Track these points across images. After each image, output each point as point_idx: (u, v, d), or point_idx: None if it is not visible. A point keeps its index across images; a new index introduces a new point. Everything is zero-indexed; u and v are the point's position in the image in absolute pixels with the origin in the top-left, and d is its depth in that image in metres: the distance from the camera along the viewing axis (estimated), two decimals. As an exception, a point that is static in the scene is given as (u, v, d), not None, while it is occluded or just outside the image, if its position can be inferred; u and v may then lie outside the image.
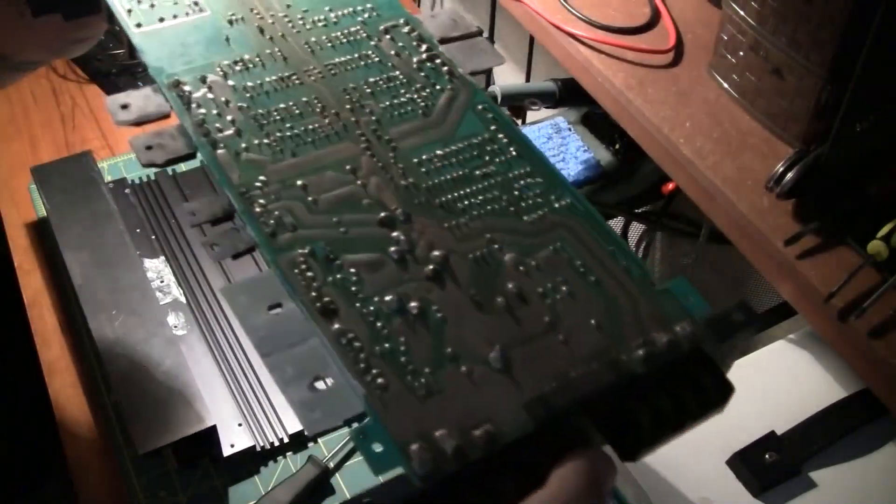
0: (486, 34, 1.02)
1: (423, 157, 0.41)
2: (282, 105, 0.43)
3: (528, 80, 0.95)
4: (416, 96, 0.44)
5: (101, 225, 0.85)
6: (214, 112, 0.42)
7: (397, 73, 0.45)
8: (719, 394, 0.36)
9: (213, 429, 0.72)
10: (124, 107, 0.43)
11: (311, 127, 0.42)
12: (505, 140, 0.42)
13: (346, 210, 0.39)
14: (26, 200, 1.00)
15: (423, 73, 0.45)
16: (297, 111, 0.43)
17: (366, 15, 0.48)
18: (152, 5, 0.48)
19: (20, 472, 1.40)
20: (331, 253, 0.37)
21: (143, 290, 0.78)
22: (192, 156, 0.42)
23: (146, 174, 1.00)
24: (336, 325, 0.35)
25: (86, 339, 0.86)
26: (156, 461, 0.76)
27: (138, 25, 0.47)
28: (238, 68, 0.45)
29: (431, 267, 0.37)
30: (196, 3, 0.48)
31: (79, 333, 0.87)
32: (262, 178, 0.40)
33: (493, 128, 0.43)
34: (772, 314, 0.81)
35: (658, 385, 0.34)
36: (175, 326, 0.81)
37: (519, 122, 1.00)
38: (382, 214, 0.39)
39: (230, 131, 0.42)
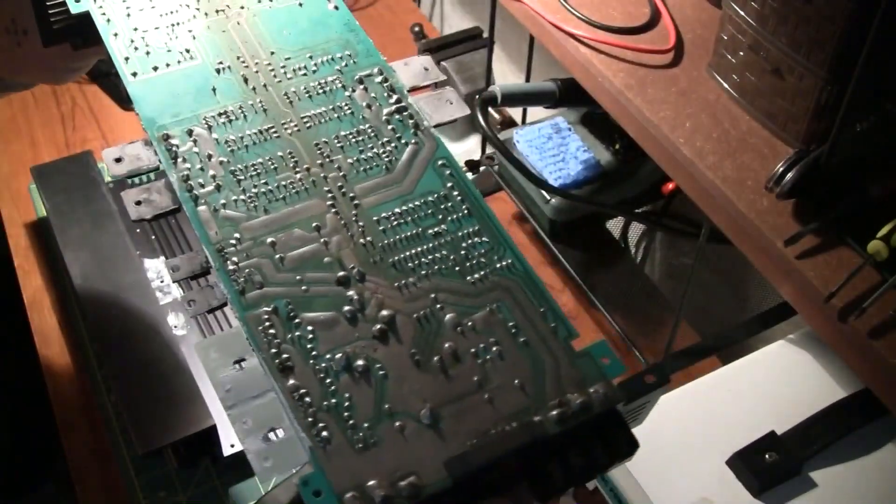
0: (485, 34, 1.02)
1: (383, 214, 0.44)
2: (259, 159, 0.46)
3: (528, 80, 0.95)
4: (382, 150, 0.47)
5: (101, 225, 0.85)
6: (198, 167, 0.45)
7: (367, 126, 0.48)
8: (628, 447, 0.40)
9: (214, 429, 0.72)
10: (118, 160, 0.47)
11: (283, 183, 0.45)
12: (459, 197, 0.45)
13: (309, 268, 0.43)
14: (26, 200, 1.00)
15: (390, 126, 0.48)
16: (273, 166, 0.46)
17: (343, 63, 0.51)
18: (147, 53, 0.50)
19: (20, 472, 1.40)
20: (292, 311, 0.41)
21: (143, 290, 0.78)
22: (177, 210, 0.45)
23: (146, 174, 1.00)
24: (291, 381, 0.39)
25: (86, 338, 0.86)
26: (156, 461, 0.76)
27: (134, 74, 0.50)
28: (222, 120, 0.48)
29: (379, 326, 0.40)
30: (188, 51, 0.51)
31: (79, 333, 0.87)
32: (236, 235, 0.43)
33: (449, 184, 0.46)
34: (772, 314, 0.81)
35: (571, 441, 0.38)
36: (175, 326, 0.81)
37: (519, 122, 1.00)
38: (340, 273, 0.42)
39: (211, 187, 0.45)
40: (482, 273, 0.43)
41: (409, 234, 0.44)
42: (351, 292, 0.42)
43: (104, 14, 0.52)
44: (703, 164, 0.59)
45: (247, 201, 0.45)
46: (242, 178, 0.45)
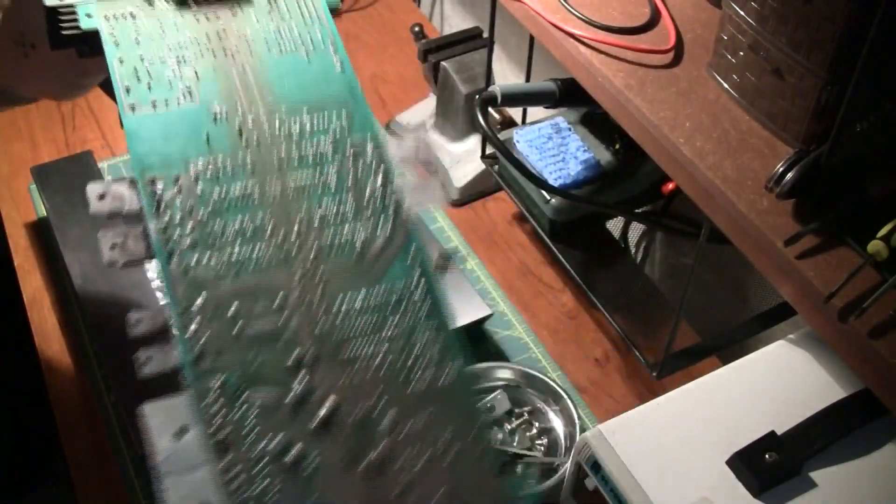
0: (485, 34, 1.02)
1: (346, 302, 0.44)
2: (238, 222, 0.45)
3: (528, 80, 0.95)
4: (358, 233, 0.46)
5: (101, 225, 0.85)
6: (178, 219, 0.45)
7: (348, 205, 0.47)
8: None
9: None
10: (101, 197, 0.45)
11: (257, 252, 0.45)
12: (421, 293, 0.45)
13: (265, 347, 0.43)
14: (26, 200, 1.00)
15: (371, 208, 0.47)
16: (250, 231, 0.45)
17: (338, 128, 0.49)
18: (149, 86, 0.49)
19: (20, 472, 1.40)
20: (240, 388, 0.41)
21: (143, 290, 0.78)
22: (150, 257, 0.44)
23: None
24: (226, 460, 0.39)
25: (86, 338, 0.86)
26: (156, 461, 0.76)
27: (132, 108, 0.48)
28: (209, 173, 0.46)
29: (320, 419, 0.41)
30: (189, 91, 0.49)
31: (79, 333, 0.87)
32: (201, 299, 0.43)
33: (416, 278, 0.46)
34: (772, 314, 0.81)
35: None
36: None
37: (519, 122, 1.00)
38: (293, 356, 0.42)
39: (187, 243, 0.44)
40: (427, 379, 0.43)
41: (367, 328, 0.44)
42: (300, 378, 0.42)
43: (113, 35, 0.50)
44: (703, 164, 0.59)
45: (218, 265, 0.44)
46: (219, 239, 0.45)
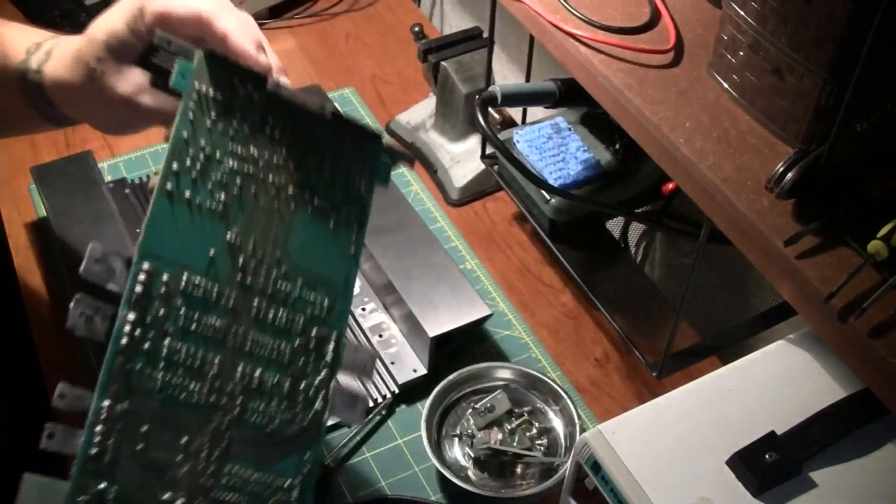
0: (485, 34, 1.02)
1: (235, 470, 0.45)
2: (193, 351, 0.46)
3: (528, 80, 0.95)
4: (277, 415, 0.47)
5: (101, 225, 0.85)
6: (147, 320, 0.45)
7: (286, 386, 0.47)
8: None
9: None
10: (98, 261, 0.45)
11: (192, 387, 0.45)
12: (296, 496, 0.46)
13: (152, 476, 0.44)
14: (26, 200, 1.00)
15: (302, 397, 0.47)
16: (197, 364, 0.46)
17: (316, 311, 0.49)
18: (194, 181, 0.47)
19: (20, 472, 1.39)
20: (113, 502, 0.42)
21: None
22: (106, 342, 0.44)
23: (146, 174, 1.00)
24: None
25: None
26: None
27: (170, 195, 0.46)
28: (197, 292, 0.46)
29: None
30: (224, 207, 0.47)
31: (79, 333, 0.87)
32: (122, 406, 0.43)
33: (299, 479, 0.46)
34: (772, 314, 0.81)
35: None
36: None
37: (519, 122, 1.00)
38: (166, 497, 0.44)
39: (143, 347, 0.44)
40: None
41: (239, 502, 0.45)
42: None
43: (192, 111, 0.47)
44: (703, 164, 0.59)
45: (156, 382, 0.45)
46: (171, 358, 0.45)
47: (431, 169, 1.05)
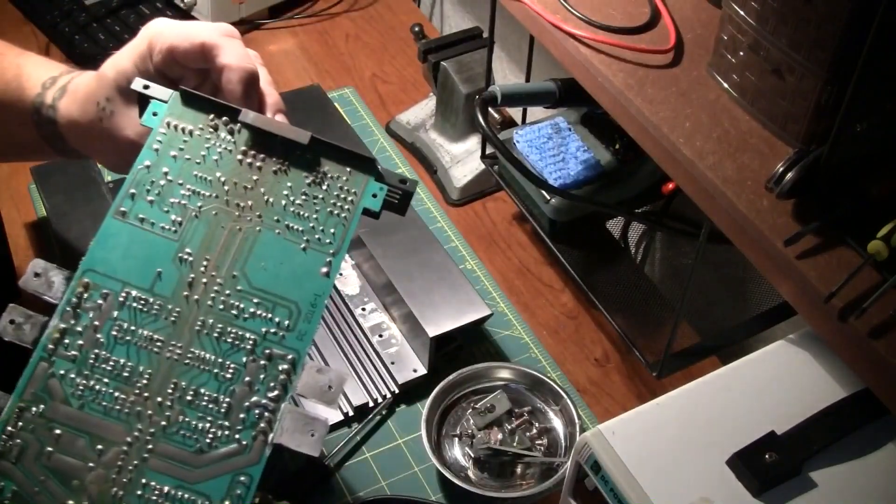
0: (485, 34, 1.02)
1: (151, 485, 0.45)
2: (121, 362, 0.46)
3: (528, 80, 0.95)
4: (212, 432, 0.46)
5: (101, 224, 0.85)
6: (78, 329, 0.46)
7: (226, 401, 0.47)
8: None
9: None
10: (37, 275, 0.48)
11: (115, 394, 0.46)
12: None
13: (59, 479, 0.44)
14: (26, 200, 1.00)
15: (241, 417, 0.47)
16: (126, 374, 0.46)
17: (272, 330, 0.48)
18: (151, 203, 0.49)
19: None
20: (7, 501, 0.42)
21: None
22: (33, 348, 0.46)
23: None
24: None
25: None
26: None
27: (122, 214, 0.49)
28: (137, 305, 0.47)
29: None
30: (177, 224, 0.49)
31: (79, 333, 0.87)
32: (40, 407, 0.45)
33: (230, 497, 0.45)
34: (772, 314, 0.81)
35: None
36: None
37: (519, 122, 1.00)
38: None
39: (68, 354, 0.46)
40: None
41: None
42: None
43: (160, 143, 0.51)
44: (703, 164, 0.59)
45: (76, 387, 0.45)
46: (96, 366, 0.46)
47: (431, 169, 1.05)
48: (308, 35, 1.24)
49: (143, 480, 0.45)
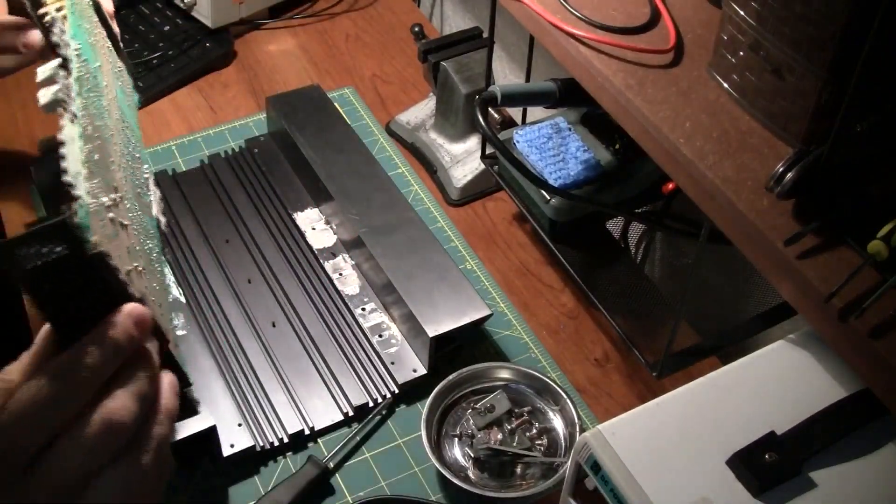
0: (485, 34, 1.02)
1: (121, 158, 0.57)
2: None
3: (528, 80, 0.95)
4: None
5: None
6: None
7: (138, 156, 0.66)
8: None
9: (213, 429, 0.72)
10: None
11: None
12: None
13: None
14: (26, 200, 1.00)
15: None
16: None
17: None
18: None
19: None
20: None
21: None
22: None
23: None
24: None
25: (86, 339, 0.86)
26: (155, 461, 0.76)
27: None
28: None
29: None
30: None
31: (79, 333, 0.86)
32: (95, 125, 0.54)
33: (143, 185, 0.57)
34: (772, 314, 0.81)
35: None
36: (175, 326, 0.81)
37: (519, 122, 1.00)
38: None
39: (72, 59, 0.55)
40: None
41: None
42: None
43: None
44: (703, 164, 0.59)
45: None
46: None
47: (431, 169, 1.05)
48: (308, 35, 1.24)
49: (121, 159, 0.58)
